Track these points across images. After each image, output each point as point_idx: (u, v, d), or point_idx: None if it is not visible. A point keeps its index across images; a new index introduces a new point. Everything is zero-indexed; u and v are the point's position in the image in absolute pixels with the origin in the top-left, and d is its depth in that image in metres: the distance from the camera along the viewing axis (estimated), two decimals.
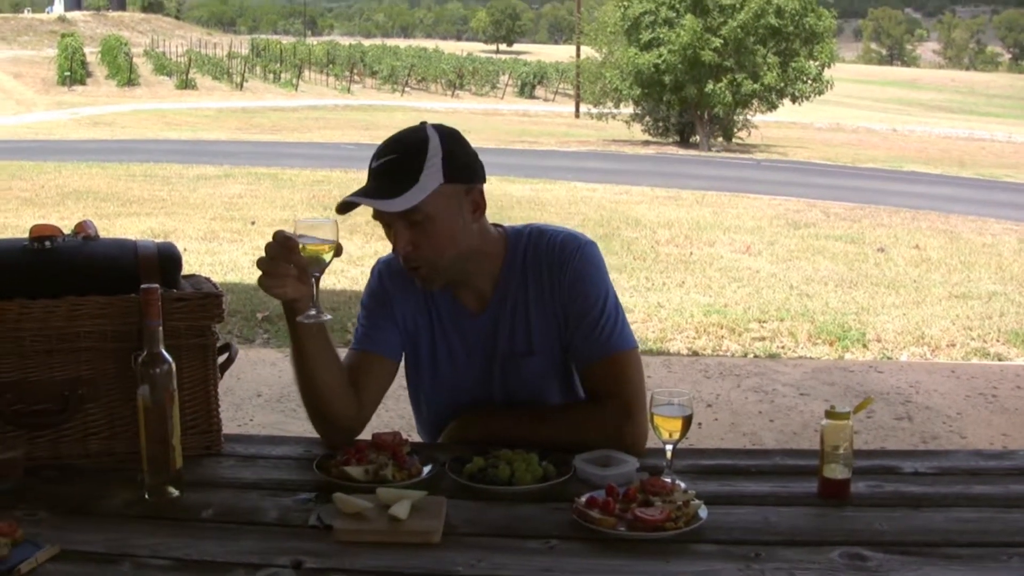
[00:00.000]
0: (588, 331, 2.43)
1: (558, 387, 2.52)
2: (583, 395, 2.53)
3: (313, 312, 2.22)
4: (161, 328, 2.09)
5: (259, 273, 2.19)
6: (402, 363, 2.59)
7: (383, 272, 2.57)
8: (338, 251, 2.19)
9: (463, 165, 2.37)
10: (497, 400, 2.51)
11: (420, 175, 2.29)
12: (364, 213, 2.36)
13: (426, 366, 2.56)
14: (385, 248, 2.42)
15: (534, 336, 2.48)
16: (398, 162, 2.31)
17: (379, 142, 2.37)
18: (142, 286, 2.12)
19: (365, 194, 2.31)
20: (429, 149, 2.32)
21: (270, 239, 2.18)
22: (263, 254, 2.18)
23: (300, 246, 2.15)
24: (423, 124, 2.39)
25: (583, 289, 2.44)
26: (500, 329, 2.49)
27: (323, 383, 2.38)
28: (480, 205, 2.42)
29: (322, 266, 2.19)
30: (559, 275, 2.45)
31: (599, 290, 2.45)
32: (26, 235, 2.35)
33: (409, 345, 2.55)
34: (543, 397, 2.51)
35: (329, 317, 2.26)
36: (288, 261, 2.17)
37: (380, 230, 2.36)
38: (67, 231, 2.41)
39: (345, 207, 2.30)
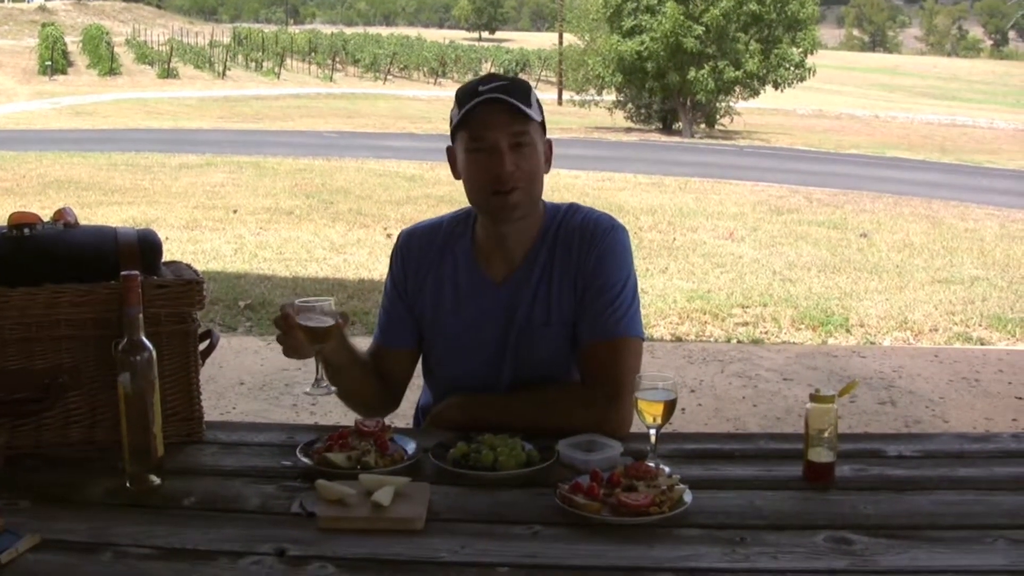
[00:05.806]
0: (600, 310, 2.45)
1: (574, 360, 2.52)
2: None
3: (323, 385, 2.34)
4: (141, 315, 2.08)
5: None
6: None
7: (405, 245, 2.62)
8: (341, 323, 2.30)
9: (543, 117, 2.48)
10: (505, 372, 2.51)
11: (531, 103, 2.39)
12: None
13: (442, 335, 2.58)
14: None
15: (553, 308, 2.48)
16: (512, 88, 2.39)
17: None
18: (122, 273, 2.10)
19: (500, 97, 2.35)
20: (531, 88, 2.44)
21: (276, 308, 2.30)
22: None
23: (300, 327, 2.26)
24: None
25: (606, 268, 2.47)
26: (522, 299, 2.50)
27: (353, 391, 2.57)
28: (550, 161, 2.51)
29: (322, 344, 2.29)
30: (587, 250, 2.48)
31: (621, 273, 2.48)
32: (4, 223, 2.32)
33: (428, 317, 2.58)
34: (554, 369, 2.51)
35: (334, 389, 2.37)
36: (294, 337, 2.28)
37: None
38: (47, 219, 2.39)
39: (478, 103, 2.34)
